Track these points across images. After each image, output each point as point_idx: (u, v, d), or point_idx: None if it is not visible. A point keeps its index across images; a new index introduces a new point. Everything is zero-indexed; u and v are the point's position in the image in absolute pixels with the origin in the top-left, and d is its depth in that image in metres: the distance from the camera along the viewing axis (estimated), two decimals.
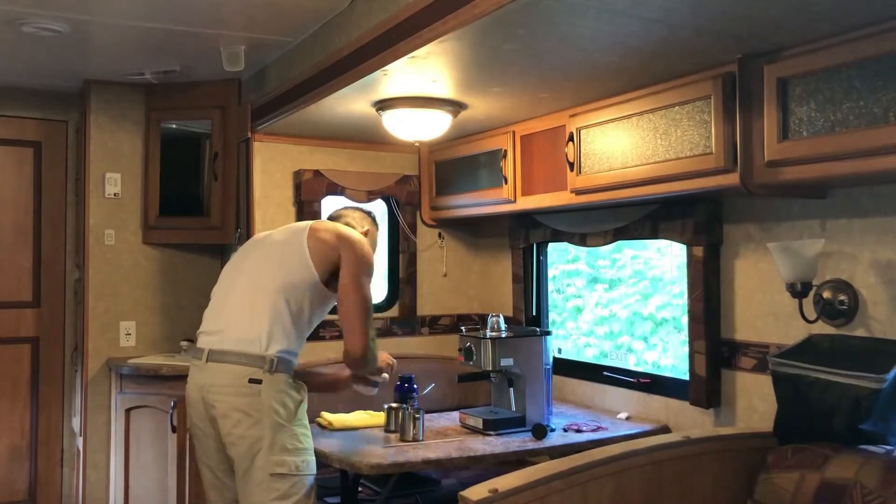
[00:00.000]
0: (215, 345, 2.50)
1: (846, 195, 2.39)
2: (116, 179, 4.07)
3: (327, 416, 3.04)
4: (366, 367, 2.65)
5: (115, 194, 4.07)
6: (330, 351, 3.76)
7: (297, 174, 3.70)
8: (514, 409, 2.99)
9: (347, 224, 2.76)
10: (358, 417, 3.07)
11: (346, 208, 2.93)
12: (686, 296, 2.88)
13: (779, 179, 2.22)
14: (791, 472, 2.16)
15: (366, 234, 2.75)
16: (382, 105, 3.02)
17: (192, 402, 2.53)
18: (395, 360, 2.91)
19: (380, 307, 3.98)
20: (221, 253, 4.22)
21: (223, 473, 2.55)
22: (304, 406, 2.53)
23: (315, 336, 3.74)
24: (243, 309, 2.54)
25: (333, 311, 3.33)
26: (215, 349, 2.49)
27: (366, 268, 2.59)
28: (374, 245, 2.81)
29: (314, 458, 2.52)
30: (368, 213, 2.90)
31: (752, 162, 2.26)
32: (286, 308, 2.50)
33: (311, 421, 2.69)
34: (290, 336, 2.50)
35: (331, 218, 2.88)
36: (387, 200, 3.99)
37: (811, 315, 2.39)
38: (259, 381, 2.41)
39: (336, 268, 2.57)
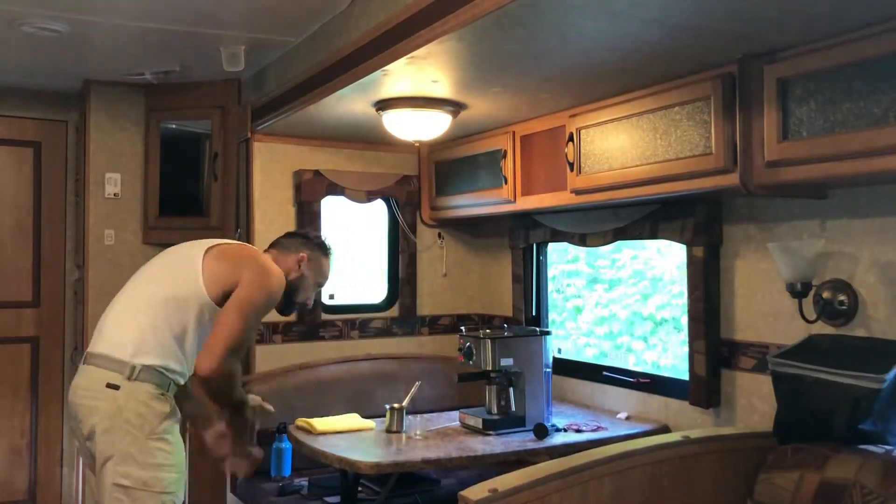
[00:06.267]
0: (92, 347, 2.41)
1: (846, 195, 2.39)
2: (116, 179, 4.07)
3: (310, 421, 2.99)
4: (213, 395, 2.40)
5: (114, 194, 4.07)
6: (330, 350, 3.77)
7: (297, 174, 3.70)
8: (513, 409, 3.00)
9: (279, 250, 2.61)
10: (344, 421, 3.03)
11: (289, 233, 2.75)
12: (686, 296, 2.88)
13: (779, 180, 2.22)
14: (791, 472, 2.16)
15: (301, 259, 2.58)
16: (382, 105, 3.02)
17: (67, 400, 2.44)
18: (270, 407, 2.66)
19: (379, 307, 4.00)
20: None
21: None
22: (171, 423, 2.32)
23: (315, 336, 3.77)
24: (121, 315, 2.44)
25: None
26: (91, 352, 2.39)
27: (259, 296, 2.38)
28: (317, 271, 2.64)
29: (177, 476, 2.30)
30: (313, 239, 2.69)
31: (751, 162, 2.26)
32: (166, 321, 2.36)
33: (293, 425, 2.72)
34: (165, 349, 2.33)
35: (272, 243, 2.69)
36: (387, 200, 3.99)
37: (811, 315, 2.39)
38: (116, 387, 2.27)
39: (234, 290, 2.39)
